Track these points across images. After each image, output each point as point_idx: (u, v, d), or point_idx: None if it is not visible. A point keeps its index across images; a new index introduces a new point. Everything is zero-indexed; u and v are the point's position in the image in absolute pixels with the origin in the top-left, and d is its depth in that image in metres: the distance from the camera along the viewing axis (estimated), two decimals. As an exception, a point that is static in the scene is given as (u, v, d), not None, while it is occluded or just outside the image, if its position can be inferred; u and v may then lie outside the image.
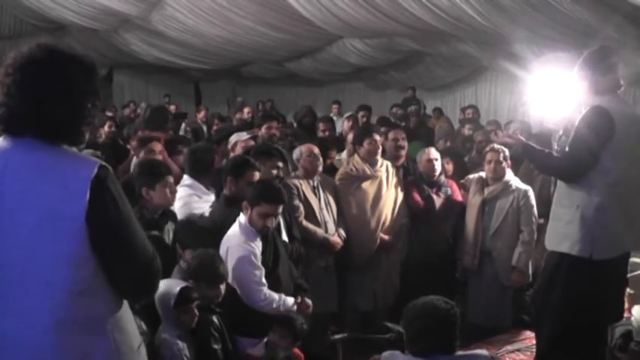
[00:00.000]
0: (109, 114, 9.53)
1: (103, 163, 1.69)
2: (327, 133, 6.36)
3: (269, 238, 3.40)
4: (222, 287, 3.05)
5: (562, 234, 3.41)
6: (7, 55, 1.71)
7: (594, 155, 3.24)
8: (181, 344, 2.78)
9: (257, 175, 3.71)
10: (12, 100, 1.64)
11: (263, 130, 5.57)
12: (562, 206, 3.45)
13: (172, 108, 11.70)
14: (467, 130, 7.41)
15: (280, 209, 3.38)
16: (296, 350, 3.30)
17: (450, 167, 5.33)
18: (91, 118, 1.75)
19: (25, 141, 1.66)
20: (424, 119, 9.89)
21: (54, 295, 1.62)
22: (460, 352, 2.42)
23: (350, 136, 5.55)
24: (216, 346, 2.91)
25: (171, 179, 3.39)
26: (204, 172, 4.08)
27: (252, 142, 4.85)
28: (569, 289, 3.35)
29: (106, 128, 7.00)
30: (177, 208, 3.72)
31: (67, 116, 1.68)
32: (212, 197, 3.98)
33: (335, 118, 9.18)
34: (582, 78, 3.36)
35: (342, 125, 7.39)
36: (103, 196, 1.63)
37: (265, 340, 3.23)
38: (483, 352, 2.47)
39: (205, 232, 3.45)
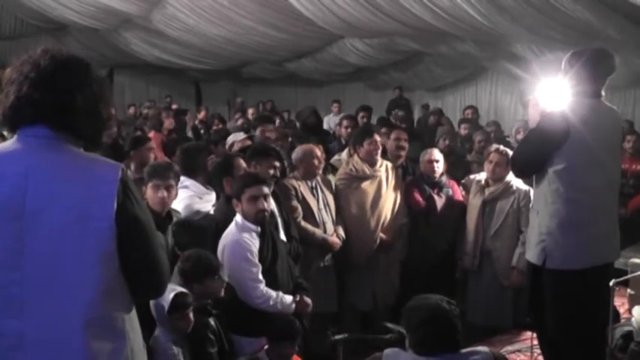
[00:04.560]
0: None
1: (123, 165, 1.73)
2: (349, 130, 6.37)
3: (266, 235, 3.40)
4: (215, 284, 3.02)
5: (527, 239, 3.44)
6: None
7: (537, 158, 3.20)
8: (176, 349, 2.76)
9: (243, 162, 3.77)
10: (34, 101, 1.64)
11: (258, 132, 5.57)
12: (531, 210, 3.47)
13: (173, 108, 11.71)
14: (462, 130, 7.44)
15: (266, 190, 3.38)
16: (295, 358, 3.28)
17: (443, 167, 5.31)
18: (110, 121, 1.78)
19: (47, 142, 1.67)
20: (424, 119, 9.89)
21: (84, 294, 1.62)
22: (462, 350, 2.41)
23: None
24: (211, 350, 2.89)
25: (165, 182, 3.29)
26: (198, 171, 4.08)
27: (248, 142, 4.86)
28: (544, 296, 3.30)
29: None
30: (180, 210, 3.71)
31: (93, 120, 1.72)
32: (213, 196, 3.98)
33: (335, 118, 9.27)
34: (567, 72, 3.22)
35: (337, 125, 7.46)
36: (129, 197, 1.68)
37: (266, 347, 3.21)
38: (485, 348, 2.47)
39: (203, 232, 3.44)
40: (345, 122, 6.64)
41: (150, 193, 3.27)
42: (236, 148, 4.79)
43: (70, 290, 1.62)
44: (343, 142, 6.28)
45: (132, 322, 1.77)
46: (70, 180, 1.64)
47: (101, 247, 1.64)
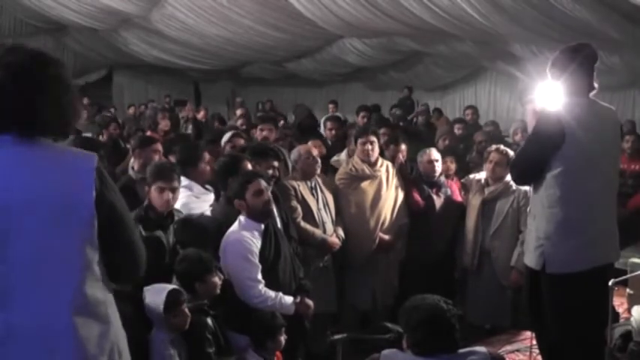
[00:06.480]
0: (107, 114, 9.59)
1: (96, 155, 1.79)
2: (333, 132, 6.39)
3: (269, 234, 3.40)
4: (216, 279, 3.03)
5: (525, 244, 3.44)
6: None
7: (535, 162, 3.19)
8: (172, 350, 2.75)
9: (248, 163, 3.77)
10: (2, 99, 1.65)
11: (257, 132, 5.56)
12: (529, 215, 3.47)
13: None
14: (457, 130, 7.43)
15: (264, 183, 3.40)
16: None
17: (453, 167, 5.31)
18: (78, 110, 1.83)
19: (19, 140, 1.67)
20: (427, 119, 9.89)
21: (70, 282, 1.66)
22: (460, 350, 2.41)
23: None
24: (209, 350, 2.88)
25: (170, 184, 3.28)
26: (198, 164, 4.07)
27: (240, 140, 4.84)
28: (543, 297, 3.30)
29: (111, 129, 7.29)
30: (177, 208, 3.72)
31: (57, 114, 1.73)
32: (211, 197, 3.97)
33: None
34: (561, 73, 3.20)
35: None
36: (105, 184, 1.75)
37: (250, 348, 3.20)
38: (482, 348, 2.47)
39: (204, 230, 3.44)
40: (328, 124, 6.59)
41: (155, 194, 3.23)
42: (228, 148, 4.77)
43: (57, 279, 1.65)
44: (329, 143, 6.26)
45: (113, 307, 1.82)
46: (50, 172, 1.68)
47: (85, 234, 1.69)
